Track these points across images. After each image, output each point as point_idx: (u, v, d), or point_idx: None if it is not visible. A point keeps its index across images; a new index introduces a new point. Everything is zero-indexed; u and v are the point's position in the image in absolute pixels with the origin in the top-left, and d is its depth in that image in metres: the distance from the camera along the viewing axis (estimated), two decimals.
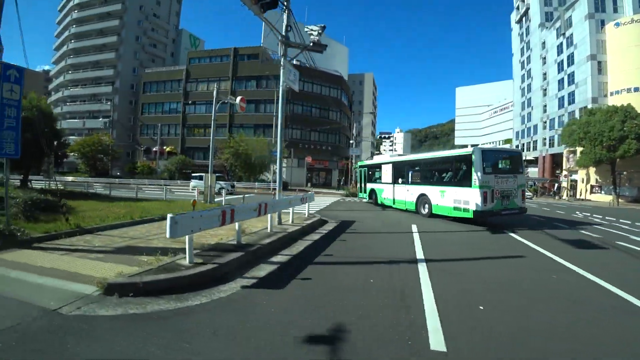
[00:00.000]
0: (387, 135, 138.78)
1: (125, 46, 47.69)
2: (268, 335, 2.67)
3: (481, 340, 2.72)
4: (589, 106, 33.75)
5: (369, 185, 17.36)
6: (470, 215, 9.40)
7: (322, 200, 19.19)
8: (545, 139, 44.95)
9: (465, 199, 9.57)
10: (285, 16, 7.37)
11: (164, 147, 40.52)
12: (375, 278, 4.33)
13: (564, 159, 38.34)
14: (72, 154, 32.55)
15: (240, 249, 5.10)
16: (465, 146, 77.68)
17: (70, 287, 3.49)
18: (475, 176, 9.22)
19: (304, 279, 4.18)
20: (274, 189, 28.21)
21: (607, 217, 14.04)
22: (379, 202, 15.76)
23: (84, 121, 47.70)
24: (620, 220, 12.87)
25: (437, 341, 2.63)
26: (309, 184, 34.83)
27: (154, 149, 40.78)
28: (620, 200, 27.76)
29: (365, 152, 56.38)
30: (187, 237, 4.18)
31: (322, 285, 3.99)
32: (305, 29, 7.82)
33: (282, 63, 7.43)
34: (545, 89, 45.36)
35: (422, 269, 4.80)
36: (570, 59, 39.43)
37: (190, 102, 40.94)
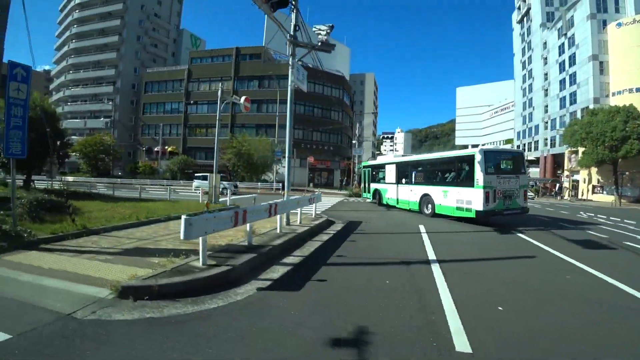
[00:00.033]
0: (390, 136, 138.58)
1: (126, 46, 47.64)
2: (292, 338, 2.65)
3: (505, 341, 2.73)
4: (591, 106, 33.74)
5: (373, 186, 17.45)
6: (472, 215, 9.51)
7: (326, 201, 19.16)
8: (546, 139, 44.94)
9: (467, 199, 9.67)
10: (293, 16, 7.36)
11: (166, 147, 40.49)
12: (390, 279, 4.33)
13: (566, 159, 38.34)
14: (73, 153, 32.52)
15: (252, 250, 5.09)
16: (466, 146, 77.80)
17: (83, 290, 3.44)
18: (478, 176, 9.34)
19: (319, 280, 4.17)
20: (277, 189, 28.40)
21: (611, 218, 14.05)
22: (383, 202, 15.86)
23: (85, 121, 47.65)
24: (625, 221, 12.88)
25: (461, 342, 2.63)
26: (311, 184, 34.80)
27: (156, 149, 40.75)
28: (622, 200, 27.77)
29: (367, 152, 56.36)
30: (200, 238, 4.16)
31: (338, 286, 3.98)
32: (313, 29, 7.80)
33: (290, 62, 7.42)
34: (547, 89, 45.34)
35: (436, 269, 4.81)
36: (572, 59, 39.41)
37: (191, 102, 40.90)
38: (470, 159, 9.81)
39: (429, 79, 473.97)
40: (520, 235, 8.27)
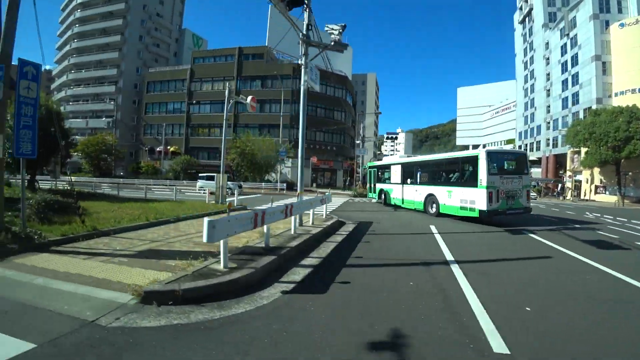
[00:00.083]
0: (394, 136, 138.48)
1: (128, 45, 47.60)
2: (327, 343, 2.62)
3: (539, 342, 2.74)
4: (594, 107, 33.76)
5: (379, 186, 17.60)
6: (476, 214, 9.71)
7: (332, 201, 19.24)
8: (548, 139, 44.97)
9: (471, 198, 9.89)
10: (306, 15, 7.34)
11: (168, 147, 40.45)
12: (414, 280, 4.32)
13: (568, 160, 38.37)
14: (75, 153, 32.46)
15: (271, 252, 5.07)
16: (467, 146, 77.79)
17: (103, 295, 3.34)
18: (481, 177, 9.56)
19: (342, 282, 4.15)
20: (282, 189, 28.32)
21: (618, 218, 14.09)
22: (388, 201, 16.01)
23: (87, 121, 47.59)
24: (632, 221, 12.93)
25: (497, 344, 2.63)
26: (314, 184, 34.79)
27: (158, 149, 40.70)
28: (625, 200, 27.80)
29: (368, 152, 56.35)
30: (221, 241, 4.13)
31: (363, 288, 3.96)
32: (325, 28, 7.78)
33: (303, 62, 7.39)
34: (549, 90, 45.35)
35: (457, 270, 4.81)
36: (574, 60, 39.42)
37: (194, 101, 40.85)
38: (474, 160, 10.03)
39: (429, 79, 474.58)
40: (532, 235, 8.30)
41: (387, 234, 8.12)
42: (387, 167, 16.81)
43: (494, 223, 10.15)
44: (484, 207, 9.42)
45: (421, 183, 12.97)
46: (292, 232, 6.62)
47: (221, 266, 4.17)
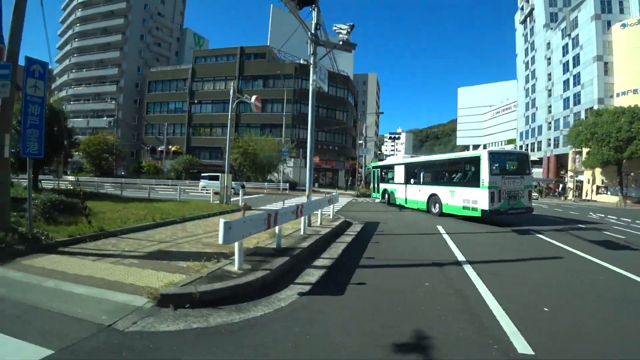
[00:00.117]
0: (397, 136, 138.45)
1: (129, 45, 47.52)
2: (350, 345, 2.61)
3: (561, 342, 2.76)
4: (595, 107, 33.78)
5: (382, 186, 17.71)
6: (478, 214, 9.85)
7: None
8: (549, 139, 44.97)
9: (474, 198, 10.02)
10: (314, 14, 7.30)
11: (170, 147, 40.42)
12: (429, 281, 4.33)
13: (570, 160, 38.38)
14: (76, 153, 32.40)
15: (283, 253, 5.05)
16: (467, 147, 77.71)
17: (116, 297, 3.27)
18: (484, 177, 9.69)
19: (358, 283, 4.14)
20: (284, 189, 28.27)
21: (622, 218, 14.11)
22: (392, 201, 16.12)
23: (88, 120, 47.50)
24: (637, 221, 12.96)
25: (521, 344, 2.64)
26: (316, 184, 34.73)
27: (160, 149, 40.65)
28: (627, 201, 27.82)
29: (370, 152, 56.35)
30: (236, 242, 4.10)
31: (379, 289, 3.96)
32: (333, 28, 7.76)
33: (312, 62, 7.36)
34: (550, 90, 45.35)
35: (470, 271, 4.82)
36: (576, 60, 39.42)
37: (196, 101, 40.80)
38: (476, 160, 10.17)
39: (429, 79, 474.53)
40: (539, 236, 8.32)
41: (395, 234, 8.12)
42: (390, 167, 16.95)
43: (497, 223, 10.23)
44: (486, 207, 9.55)
45: (424, 183, 13.13)
46: (302, 232, 6.60)
47: (235, 268, 4.14)
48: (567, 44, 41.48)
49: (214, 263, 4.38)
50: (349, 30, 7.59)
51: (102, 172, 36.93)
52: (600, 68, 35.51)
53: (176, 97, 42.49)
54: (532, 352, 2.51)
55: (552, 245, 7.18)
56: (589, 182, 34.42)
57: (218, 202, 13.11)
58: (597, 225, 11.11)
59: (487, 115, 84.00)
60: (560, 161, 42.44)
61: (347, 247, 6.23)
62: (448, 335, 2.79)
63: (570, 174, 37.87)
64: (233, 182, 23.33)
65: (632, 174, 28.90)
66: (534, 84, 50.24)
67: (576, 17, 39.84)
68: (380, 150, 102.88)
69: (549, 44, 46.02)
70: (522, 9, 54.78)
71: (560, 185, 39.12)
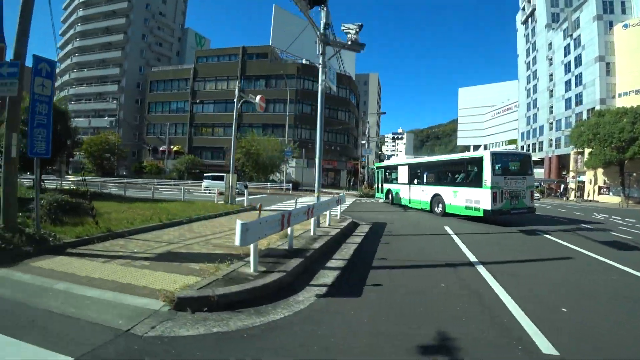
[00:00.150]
0: (400, 136, 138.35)
1: (131, 44, 47.49)
2: (377, 348, 2.61)
3: (584, 343, 2.78)
4: (597, 107, 33.78)
5: (386, 186, 17.84)
6: (480, 214, 9.99)
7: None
8: (551, 140, 44.95)
9: (476, 198, 10.17)
10: (323, 14, 7.29)
11: (171, 147, 40.38)
12: (444, 282, 4.33)
13: (571, 160, 38.38)
14: (77, 153, 32.32)
15: (295, 254, 5.03)
16: (468, 147, 77.62)
17: (131, 301, 3.20)
18: (486, 177, 9.84)
19: (374, 285, 4.13)
20: (287, 189, 28.23)
21: (626, 219, 14.11)
22: (395, 201, 16.26)
23: (89, 120, 47.45)
24: None
25: (544, 345, 2.65)
26: None
27: (161, 149, 40.62)
28: (629, 201, 27.82)
29: (372, 152, 56.35)
30: (252, 244, 4.06)
31: (395, 291, 3.96)
32: (342, 28, 7.74)
33: (321, 62, 7.35)
34: (552, 90, 45.33)
35: (483, 271, 4.82)
36: (578, 60, 39.41)
37: (197, 101, 40.77)
38: (479, 161, 10.31)
39: (430, 79, 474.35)
40: (546, 236, 8.33)
41: (404, 234, 8.11)
42: (394, 168, 17.08)
43: (500, 223, 10.32)
44: (488, 207, 9.68)
45: (427, 183, 13.28)
46: (312, 233, 6.58)
47: (251, 270, 4.09)
48: (568, 45, 41.46)
49: (228, 265, 4.33)
50: (357, 30, 7.58)
51: (104, 172, 36.87)
52: (602, 68, 35.50)
53: (178, 97, 42.46)
54: (556, 353, 2.52)
55: (561, 245, 7.19)
56: (590, 183, 34.41)
57: (223, 202, 13.08)
58: (603, 226, 11.13)
59: (488, 116, 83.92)
60: (562, 161, 42.43)
61: (357, 248, 6.23)
62: (471, 336, 2.80)
63: (572, 174, 37.87)
64: (237, 182, 23.32)
65: (634, 174, 28.90)
66: (536, 84, 50.23)
67: (578, 17, 39.82)
68: (381, 150, 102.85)
69: (550, 44, 46.00)
70: (523, 9, 54.76)
71: (562, 186, 39.11)
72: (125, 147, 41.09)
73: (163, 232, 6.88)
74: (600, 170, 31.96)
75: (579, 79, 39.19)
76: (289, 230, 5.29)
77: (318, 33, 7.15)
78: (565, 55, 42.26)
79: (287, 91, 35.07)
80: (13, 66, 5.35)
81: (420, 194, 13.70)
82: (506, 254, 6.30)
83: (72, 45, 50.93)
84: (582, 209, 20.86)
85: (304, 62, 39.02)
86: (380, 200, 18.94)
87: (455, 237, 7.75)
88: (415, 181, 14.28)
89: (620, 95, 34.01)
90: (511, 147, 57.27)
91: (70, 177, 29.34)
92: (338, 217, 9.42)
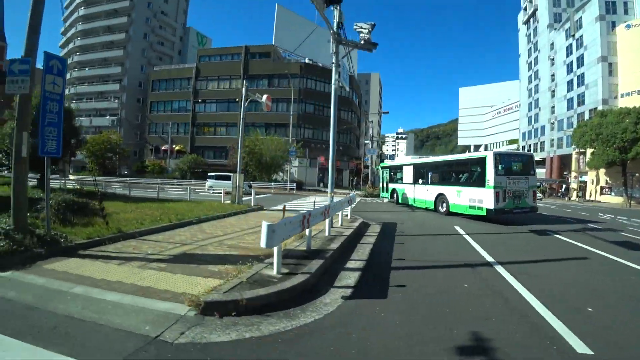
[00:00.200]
0: (404, 136, 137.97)
1: (133, 43, 47.33)
2: (414, 350, 2.59)
3: (615, 342, 2.79)
4: (600, 108, 33.79)
5: (391, 186, 17.99)
6: (483, 212, 10.20)
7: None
8: (553, 140, 44.97)
9: (479, 198, 10.38)
10: (336, 13, 7.22)
11: (173, 146, 40.27)
12: (466, 282, 4.34)
13: (574, 160, 38.39)
14: (79, 152, 32.16)
15: (314, 255, 4.99)
16: (468, 147, 77.63)
17: (155, 305, 3.08)
18: (489, 177, 10.04)
19: (397, 286, 4.11)
20: (291, 189, 28.18)
21: (633, 219, 14.15)
22: (400, 201, 16.41)
23: (90, 119, 47.27)
24: None
25: (578, 344, 2.67)
26: (321, 184, 34.71)
27: (163, 148, 40.50)
28: (631, 201, 27.84)
29: (374, 152, 56.27)
30: (275, 246, 4.01)
31: (420, 292, 3.95)
32: (354, 27, 7.68)
33: (334, 61, 7.29)
34: (554, 90, 45.34)
35: (503, 272, 4.83)
36: (580, 61, 39.41)
37: (200, 100, 40.65)
38: (482, 161, 10.54)
39: (430, 79, 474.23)
40: (557, 236, 8.36)
41: (416, 235, 8.11)
42: (399, 168, 17.27)
43: (502, 222, 10.48)
44: (491, 206, 9.86)
45: (432, 183, 13.49)
46: (327, 233, 6.55)
47: (274, 272, 4.03)
48: (571, 45, 41.46)
49: (249, 267, 4.26)
50: (370, 29, 7.52)
51: (106, 172, 36.73)
52: (605, 69, 35.51)
53: (180, 96, 42.34)
54: (590, 352, 2.54)
55: (574, 245, 7.21)
56: (592, 183, 34.44)
57: (229, 202, 13.02)
58: (611, 226, 11.15)
59: (489, 116, 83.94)
60: (563, 161, 42.45)
61: (373, 249, 6.21)
62: (504, 336, 2.81)
63: (573, 174, 37.89)
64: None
65: (636, 174, 28.91)
66: (537, 84, 50.23)
67: (580, 17, 39.82)
68: (382, 150, 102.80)
69: (552, 44, 45.99)
70: (525, 9, 54.74)
71: (564, 186, 39.14)
72: (127, 146, 40.93)
73: (174, 233, 6.79)
74: (602, 171, 31.98)
75: (581, 79, 39.20)
76: (306, 231, 5.24)
77: (332, 32, 7.09)
78: (567, 56, 42.25)
79: (291, 90, 35.01)
80: (24, 63, 5.24)
81: (424, 194, 13.90)
82: (521, 253, 6.30)
83: (74, 44, 50.76)
84: (586, 209, 20.87)
85: (306, 61, 38.95)
86: (386, 200, 18.99)
87: (467, 237, 7.75)
88: (420, 181, 14.46)
89: (622, 96, 34.02)
90: (512, 147, 57.32)
91: (72, 177, 29.21)
92: (349, 217, 9.40)
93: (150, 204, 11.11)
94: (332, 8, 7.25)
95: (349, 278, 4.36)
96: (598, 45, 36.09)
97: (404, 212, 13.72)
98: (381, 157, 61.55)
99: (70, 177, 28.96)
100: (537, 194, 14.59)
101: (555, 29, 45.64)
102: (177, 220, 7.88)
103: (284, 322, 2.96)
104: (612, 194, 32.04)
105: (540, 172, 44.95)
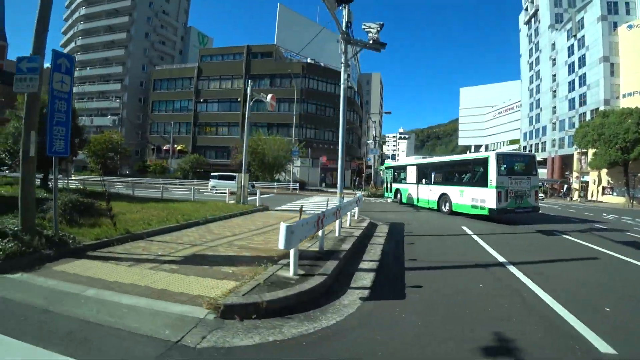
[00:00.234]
0: (406, 136, 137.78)
1: (134, 43, 47.29)
2: (440, 350, 2.59)
3: (637, 341, 2.80)
4: (601, 108, 33.78)
5: (395, 185, 18.08)
6: (486, 212, 10.32)
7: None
8: (554, 140, 44.97)
9: (482, 197, 10.50)
10: (345, 12, 7.21)
11: (175, 146, 40.22)
12: (482, 282, 4.34)
13: (575, 161, 38.39)
14: (80, 152, 32.08)
15: (328, 256, 4.97)
16: (469, 147, 77.63)
17: (172, 309, 3.02)
18: (491, 177, 10.16)
19: (414, 286, 4.09)
20: (294, 189, 28.15)
21: (637, 219, 14.13)
22: (404, 201, 16.51)
23: (92, 119, 47.22)
24: None
25: (601, 344, 2.67)
26: (323, 184, 34.70)
27: (165, 147, 40.44)
28: (633, 202, 27.84)
29: (376, 152, 56.22)
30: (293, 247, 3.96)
31: (437, 292, 3.95)
32: (362, 27, 7.65)
33: (343, 60, 7.26)
34: (555, 91, 45.34)
35: (516, 272, 4.84)
36: (582, 61, 39.40)
37: (201, 100, 40.61)
38: (484, 162, 10.65)
39: (430, 79, 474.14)
40: (565, 236, 8.37)
41: (424, 235, 8.10)
42: (402, 168, 17.42)
43: (504, 221, 10.60)
44: (493, 206, 9.99)
45: (435, 183, 13.66)
46: (337, 234, 6.54)
47: (290, 273, 3.98)
48: (572, 45, 41.45)
49: (265, 269, 4.20)
50: (378, 29, 7.49)
51: (107, 171, 36.66)
52: (607, 69, 35.51)
53: (182, 96, 42.32)
54: (614, 352, 2.55)
55: (582, 245, 7.22)
56: (594, 183, 34.44)
57: (234, 202, 12.97)
58: (616, 226, 11.18)
59: (489, 116, 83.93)
60: (565, 162, 42.45)
61: (384, 249, 6.21)
62: (527, 336, 2.80)
63: (575, 174, 37.89)
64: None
65: (639, 174, 28.93)
66: (539, 84, 50.23)
67: (582, 18, 39.82)
68: (382, 150, 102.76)
69: (554, 44, 45.99)
70: (526, 9, 54.74)
71: (565, 186, 39.14)
72: (129, 146, 40.88)
73: (182, 234, 6.73)
74: (604, 171, 31.99)
75: (582, 79, 39.19)
76: (319, 232, 5.21)
77: (340, 31, 7.06)
78: (569, 56, 42.25)
79: (294, 90, 34.98)
80: (33, 61, 5.14)
81: (428, 193, 14.03)
82: (532, 253, 6.30)
83: (75, 43, 50.72)
84: (589, 209, 20.87)
85: (309, 61, 38.91)
86: (389, 200, 19.05)
87: (476, 237, 7.75)
88: (423, 181, 14.60)
89: (624, 96, 34.02)
90: (513, 147, 57.29)
91: (74, 177, 29.12)
92: (356, 217, 9.38)
93: (155, 204, 11.06)
94: (340, 8, 7.23)
95: (364, 279, 4.34)
96: (600, 46, 36.09)
97: (409, 212, 13.73)
98: (382, 157, 61.55)
99: (73, 177, 28.80)
100: (539, 194, 14.75)
101: (557, 29, 45.63)
102: (184, 221, 7.83)
103: (306, 325, 2.92)
104: (614, 194, 32.06)
105: (542, 172, 44.92)
